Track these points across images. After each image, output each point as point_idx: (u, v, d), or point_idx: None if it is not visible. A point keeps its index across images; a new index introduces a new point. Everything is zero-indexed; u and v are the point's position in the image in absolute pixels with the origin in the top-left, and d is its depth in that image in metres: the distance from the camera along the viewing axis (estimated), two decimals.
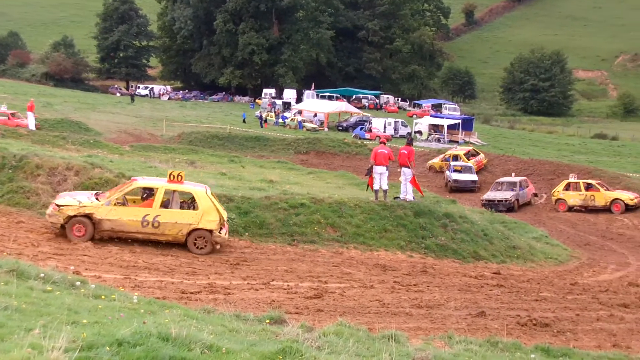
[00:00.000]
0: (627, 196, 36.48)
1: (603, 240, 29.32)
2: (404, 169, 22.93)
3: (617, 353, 11.02)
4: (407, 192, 22.90)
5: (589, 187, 37.22)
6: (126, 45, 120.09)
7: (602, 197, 36.27)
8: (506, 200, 36.25)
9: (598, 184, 37.55)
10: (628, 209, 35.75)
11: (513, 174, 42.62)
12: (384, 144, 23.62)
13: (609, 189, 37.49)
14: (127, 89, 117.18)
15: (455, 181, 42.76)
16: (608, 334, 13.44)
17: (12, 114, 44.80)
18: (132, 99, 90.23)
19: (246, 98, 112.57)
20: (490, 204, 35.58)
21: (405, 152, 22.97)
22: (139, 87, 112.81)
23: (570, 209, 36.78)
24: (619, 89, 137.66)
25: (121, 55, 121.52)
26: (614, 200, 36.04)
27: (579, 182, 37.83)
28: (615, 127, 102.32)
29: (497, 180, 39.45)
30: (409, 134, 65.79)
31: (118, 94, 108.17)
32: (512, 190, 37.27)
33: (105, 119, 61.59)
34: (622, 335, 13.39)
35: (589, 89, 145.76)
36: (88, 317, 7.84)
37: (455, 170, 43.96)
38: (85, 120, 55.44)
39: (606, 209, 36.11)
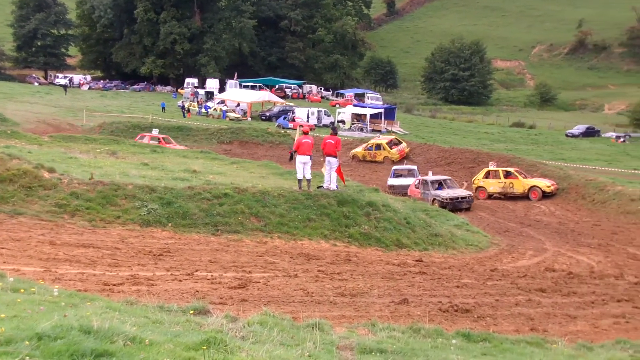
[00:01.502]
0: (544, 183, 37.40)
1: (521, 227, 29.96)
2: (330, 158, 23.00)
3: (535, 336, 11.26)
4: (331, 181, 23.00)
5: (507, 175, 37.99)
6: (44, 33, 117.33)
7: (521, 184, 37.08)
8: (470, 197, 34.51)
9: (516, 171, 38.38)
10: (545, 196, 36.69)
11: (420, 176, 38.70)
12: (307, 133, 23.69)
13: (527, 176, 38.34)
14: (46, 78, 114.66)
15: (391, 187, 37.93)
16: (526, 318, 13.75)
17: (164, 139, 44.67)
18: (65, 90, 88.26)
19: (168, 88, 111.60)
20: (454, 202, 33.42)
21: (332, 141, 23.05)
22: (57, 77, 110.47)
23: (490, 196, 37.50)
24: (536, 79, 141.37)
25: (39, 44, 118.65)
26: (532, 188, 36.89)
27: (498, 170, 38.60)
28: (532, 116, 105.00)
29: (428, 179, 35.61)
30: (332, 123, 66.23)
31: (36, 84, 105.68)
32: (455, 186, 35.82)
33: (23, 109, 60.18)
34: (540, 319, 13.72)
35: (507, 78, 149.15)
36: (6, 311, 7.67)
37: (396, 175, 39.94)
38: (2, 111, 54.13)
39: (524, 196, 36.93)
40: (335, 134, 24.16)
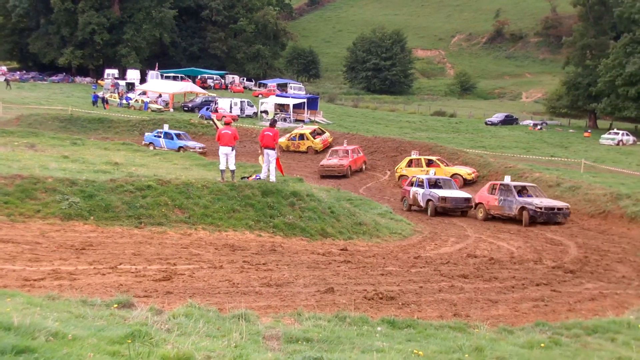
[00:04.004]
0: (465, 171, 38.11)
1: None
2: (267, 150, 23.18)
3: (458, 321, 11.46)
4: (269, 173, 23.09)
5: (429, 163, 38.57)
6: None
7: (443, 172, 37.62)
8: (567, 209, 28.79)
9: (438, 159, 39.00)
10: (466, 183, 37.37)
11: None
12: (229, 124, 23.68)
13: (448, 164, 39.01)
14: None
15: (444, 199, 30.47)
16: (449, 304, 13.97)
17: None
18: (8, 84, 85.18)
19: (88, 79, 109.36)
20: (549, 214, 28.01)
21: (270, 133, 23.26)
22: None
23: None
24: (456, 68, 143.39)
25: None
26: (454, 175, 37.47)
27: (420, 159, 39.18)
28: (452, 105, 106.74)
29: (511, 185, 29.95)
30: (262, 112, 66.15)
31: None
32: (541, 194, 30.19)
33: None
34: (462, 305, 13.96)
35: (428, 67, 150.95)
36: None
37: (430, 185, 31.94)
38: None
39: None
40: (273, 126, 24.21)
